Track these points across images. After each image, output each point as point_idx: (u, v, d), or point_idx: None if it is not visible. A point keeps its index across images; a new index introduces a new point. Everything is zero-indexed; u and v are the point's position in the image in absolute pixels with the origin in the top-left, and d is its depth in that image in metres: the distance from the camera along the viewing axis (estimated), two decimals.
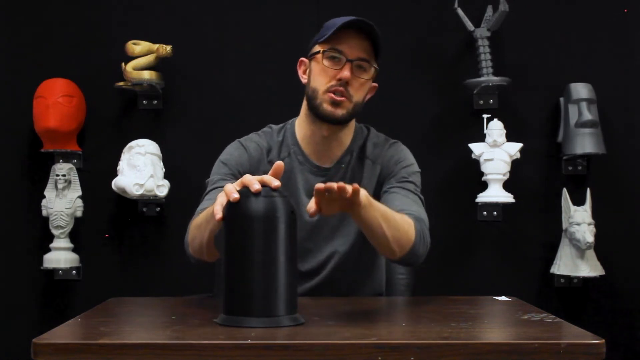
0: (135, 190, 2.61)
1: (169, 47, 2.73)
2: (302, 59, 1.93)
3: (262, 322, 1.39)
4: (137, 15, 2.85)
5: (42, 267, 2.73)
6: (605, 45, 2.84)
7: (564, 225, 2.71)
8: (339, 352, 1.28)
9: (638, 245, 2.81)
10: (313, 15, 2.72)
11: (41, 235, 2.78)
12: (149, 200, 2.76)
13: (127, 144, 2.68)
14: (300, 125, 1.94)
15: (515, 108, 2.83)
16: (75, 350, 1.28)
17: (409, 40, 2.85)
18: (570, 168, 2.82)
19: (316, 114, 1.86)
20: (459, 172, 2.83)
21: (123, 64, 2.71)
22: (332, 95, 1.82)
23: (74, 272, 2.78)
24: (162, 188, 2.67)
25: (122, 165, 2.66)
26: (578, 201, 2.71)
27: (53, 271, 2.77)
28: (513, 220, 2.81)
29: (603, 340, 1.31)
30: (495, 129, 2.69)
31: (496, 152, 2.68)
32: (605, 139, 2.73)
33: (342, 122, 1.86)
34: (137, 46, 2.72)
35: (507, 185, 2.72)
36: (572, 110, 2.72)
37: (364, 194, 1.61)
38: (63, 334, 1.41)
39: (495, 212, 2.78)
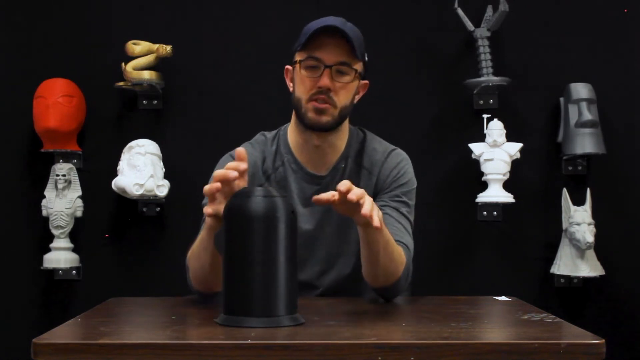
0: (135, 190, 2.61)
1: (169, 47, 2.73)
2: (288, 67, 1.90)
3: (262, 322, 1.39)
4: (137, 15, 2.85)
5: (42, 267, 2.73)
6: (605, 45, 2.84)
7: (564, 225, 2.71)
8: (339, 352, 1.28)
9: (638, 245, 2.81)
10: (313, 15, 2.71)
11: (41, 235, 2.78)
12: (149, 200, 2.76)
13: (127, 144, 2.68)
14: (292, 133, 1.91)
15: (515, 108, 2.83)
16: (75, 350, 1.28)
17: (409, 40, 2.85)
18: (570, 168, 2.82)
19: (303, 123, 1.84)
20: (459, 172, 2.82)
21: (123, 64, 2.71)
22: (315, 103, 1.79)
23: (74, 272, 2.78)
24: (162, 188, 2.67)
25: (122, 165, 2.66)
26: (578, 201, 2.71)
27: (53, 271, 2.77)
28: (513, 220, 2.81)
29: (603, 340, 1.31)
30: (495, 129, 2.69)
31: (496, 152, 2.68)
32: (605, 139, 2.73)
33: (328, 129, 1.83)
34: (137, 46, 2.72)
35: (507, 185, 2.71)
36: (572, 110, 2.72)
37: (381, 214, 1.59)
38: (63, 334, 1.41)
39: (495, 212, 2.78)
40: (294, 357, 1.27)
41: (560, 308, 2.74)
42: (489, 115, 2.73)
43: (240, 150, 1.55)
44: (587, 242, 2.62)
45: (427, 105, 2.84)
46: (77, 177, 2.77)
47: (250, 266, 1.40)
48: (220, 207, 1.50)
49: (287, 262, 1.41)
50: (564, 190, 2.72)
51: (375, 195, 1.90)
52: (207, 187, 1.50)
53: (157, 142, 2.73)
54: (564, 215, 2.71)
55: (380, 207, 1.86)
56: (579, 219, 2.65)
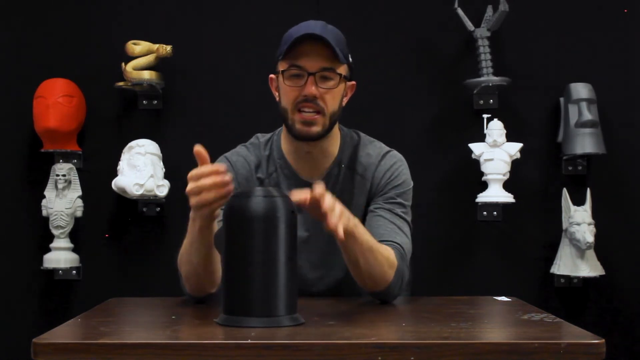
0: (135, 190, 2.61)
1: (169, 47, 2.73)
2: (272, 75, 1.87)
3: (262, 322, 1.39)
4: (137, 15, 2.85)
5: (42, 267, 2.73)
6: (605, 45, 2.84)
7: (564, 225, 2.71)
8: (339, 352, 1.28)
9: (638, 245, 2.81)
10: (313, 15, 2.72)
11: (41, 235, 2.78)
12: (149, 200, 2.76)
13: (127, 144, 2.68)
14: (284, 140, 1.89)
15: (515, 108, 2.83)
16: (75, 350, 1.28)
17: (409, 40, 2.85)
18: (570, 168, 2.82)
19: (292, 134, 1.81)
20: (459, 172, 2.82)
21: (123, 64, 2.71)
22: (303, 115, 1.76)
23: (74, 272, 2.78)
24: (162, 188, 2.67)
25: (122, 165, 2.66)
26: (578, 201, 2.71)
27: (53, 271, 2.77)
28: (513, 220, 2.81)
29: (603, 340, 1.31)
30: (495, 129, 2.69)
31: (496, 152, 2.68)
32: (605, 139, 2.73)
33: (317, 139, 1.80)
34: (137, 46, 2.72)
35: (507, 185, 2.72)
36: (572, 110, 2.72)
37: (352, 222, 1.59)
38: (63, 334, 1.41)
39: (495, 212, 2.78)
40: (294, 357, 1.27)
41: (560, 308, 2.74)
42: (489, 115, 2.73)
43: (197, 149, 1.52)
44: (587, 242, 2.62)
45: (427, 105, 2.84)
46: (77, 177, 2.77)
47: (250, 266, 1.40)
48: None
49: (287, 262, 1.41)
50: (564, 190, 2.72)
51: (370, 199, 1.88)
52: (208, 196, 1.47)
53: (157, 142, 2.73)
54: (564, 215, 2.71)
55: (375, 210, 1.85)
56: (579, 219, 2.65)
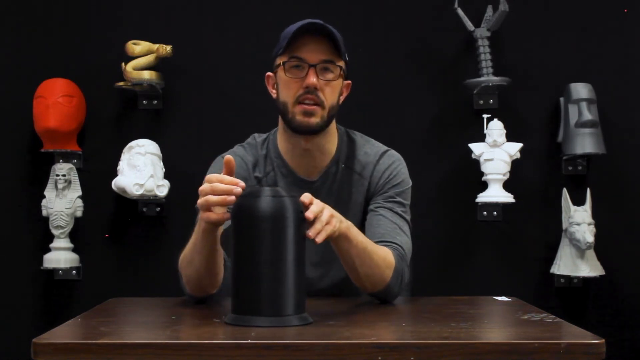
0: (135, 190, 2.61)
1: (169, 47, 2.73)
2: (268, 73, 1.87)
3: (270, 321, 1.39)
4: (137, 15, 2.85)
5: (42, 267, 2.73)
6: (605, 45, 2.84)
7: (564, 225, 2.71)
8: (339, 352, 1.28)
9: (638, 245, 2.81)
10: (313, 15, 2.72)
11: (41, 235, 2.78)
12: (149, 200, 2.76)
13: (127, 144, 2.68)
14: (281, 139, 1.89)
15: (515, 108, 2.83)
16: (75, 350, 1.28)
17: (409, 40, 2.85)
18: (570, 168, 2.82)
19: (291, 127, 1.80)
20: (459, 172, 2.82)
21: (123, 64, 2.71)
22: (303, 105, 1.76)
23: (74, 272, 2.78)
24: (162, 188, 2.67)
25: (122, 165, 2.66)
26: (578, 201, 2.71)
27: (53, 271, 2.77)
28: (513, 220, 2.81)
29: (603, 340, 1.31)
30: (495, 129, 2.69)
31: (496, 152, 2.68)
32: (605, 139, 2.73)
33: (318, 131, 1.80)
34: (137, 46, 2.72)
35: (507, 185, 2.71)
36: (572, 110, 2.72)
37: (345, 225, 1.60)
38: (63, 334, 1.41)
39: (495, 212, 2.78)
40: (294, 357, 1.27)
41: (560, 308, 2.74)
42: (489, 115, 2.73)
43: (229, 158, 1.54)
44: (587, 242, 2.62)
45: (427, 105, 2.84)
46: (77, 177, 2.77)
47: (258, 266, 1.40)
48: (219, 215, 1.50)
49: (295, 262, 1.42)
50: (564, 190, 2.72)
51: (369, 199, 1.88)
52: (218, 199, 1.48)
53: (157, 142, 2.73)
54: (564, 215, 2.71)
55: (375, 209, 1.85)
56: (579, 219, 2.65)
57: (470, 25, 2.75)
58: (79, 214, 2.76)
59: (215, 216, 1.50)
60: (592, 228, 2.66)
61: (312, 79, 1.74)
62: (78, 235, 2.79)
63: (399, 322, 1.60)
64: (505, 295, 1.91)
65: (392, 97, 2.84)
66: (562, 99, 2.79)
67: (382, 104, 2.83)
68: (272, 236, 1.40)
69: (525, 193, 2.79)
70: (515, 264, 2.82)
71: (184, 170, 2.76)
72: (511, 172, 2.71)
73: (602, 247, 2.72)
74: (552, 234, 2.77)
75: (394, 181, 1.88)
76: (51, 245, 2.74)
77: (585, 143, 2.69)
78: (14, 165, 2.84)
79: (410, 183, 1.92)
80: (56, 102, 2.68)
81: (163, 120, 2.85)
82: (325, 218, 1.50)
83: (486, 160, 2.69)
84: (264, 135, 1.95)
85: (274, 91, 1.85)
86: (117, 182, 2.64)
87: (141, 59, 2.71)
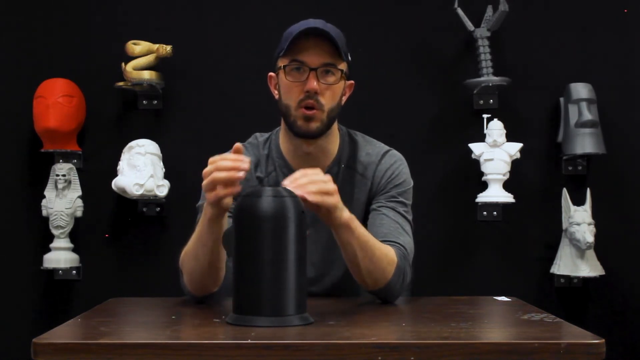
0: (135, 190, 2.61)
1: (169, 47, 2.73)
2: (271, 74, 1.87)
3: (271, 321, 1.40)
4: (137, 15, 2.85)
5: (42, 267, 2.73)
6: (605, 45, 2.84)
7: (564, 225, 2.71)
8: (339, 352, 1.28)
9: (638, 245, 2.81)
10: (314, 15, 2.73)
11: (41, 235, 2.78)
12: (149, 200, 2.76)
13: (127, 144, 2.68)
14: (283, 139, 1.89)
15: (515, 108, 2.83)
16: (75, 350, 1.28)
17: (409, 40, 2.85)
18: (570, 168, 2.82)
19: (292, 130, 1.81)
20: (459, 172, 2.83)
21: (123, 64, 2.71)
22: (304, 110, 1.76)
23: (74, 272, 2.78)
24: (162, 188, 2.67)
25: (122, 165, 2.66)
26: (578, 201, 2.71)
27: (53, 271, 2.77)
28: (513, 220, 2.81)
29: (603, 340, 1.31)
30: (495, 129, 2.69)
31: (496, 152, 2.68)
32: (605, 139, 2.73)
33: (318, 135, 1.80)
34: (137, 46, 2.72)
35: (507, 185, 2.72)
36: (572, 110, 2.72)
37: (347, 215, 1.61)
38: (63, 334, 1.41)
39: (495, 212, 2.78)
40: (294, 357, 1.27)
41: (560, 308, 2.74)
42: (489, 115, 2.73)
43: (239, 145, 1.55)
44: (587, 242, 2.62)
45: (427, 105, 2.84)
46: (77, 177, 2.77)
47: (260, 266, 1.40)
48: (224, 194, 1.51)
49: (296, 262, 1.42)
50: (564, 190, 2.72)
51: (371, 199, 1.89)
52: (223, 176, 1.50)
53: (157, 142, 2.73)
54: (564, 215, 2.71)
55: (377, 208, 1.86)
56: (579, 219, 2.65)
57: (470, 25, 2.75)
58: (79, 214, 2.76)
59: (224, 192, 1.50)
60: (592, 228, 2.66)
61: (313, 84, 1.74)
62: (78, 235, 2.79)
63: (399, 322, 1.60)
64: (505, 295, 1.91)
65: (392, 97, 2.84)
66: (562, 99, 2.79)
67: (382, 104, 2.83)
68: (273, 236, 1.41)
69: (525, 193, 2.79)
70: (515, 264, 2.82)
71: (184, 170, 2.76)
72: (511, 172, 2.71)
73: (602, 247, 2.72)
74: (552, 234, 2.77)
75: (395, 181, 1.88)
76: (51, 245, 2.74)
77: (585, 143, 2.69)
78: (14, 165, 2.84)
79: (411, 183, 1.92)
80: (56, 102, 2.68)
81: (163, 120, 2.85)
82: (304, 180, 1.53)
83: (486, 160, 2.69)
84: (265, 135, 1.95)
85: (277, 92, 1.85)
86: (117, 182, 2.64)
87: (141, 59, 2.71)
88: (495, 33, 2.76)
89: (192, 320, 1.59)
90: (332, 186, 1.57)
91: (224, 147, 1.93)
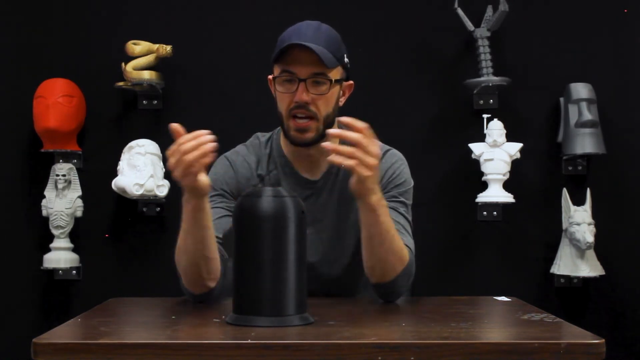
0: (135, 190, 2.61)
1: (169, 47, 2.73)
2: (270, 77, 1.87)
3: (271, 321, 1.40)
4: (137, 15, 2.85)
5: (42, 267, 2.73)
6: (605, 45, 2.84)
7: (564, 225, 2.71)
8: (339, 352, 1.28)
9: (638, 245, 2.81)
10: (313, 15, 2.73)
11: (41, 235, 2.78)
12: (149, 200, 2.76)
13: (127, 144, 2.68)
14: (284, 139, 1.90)
15: (515, 108, 2.83)
16: (75, 350, 1.29)
17: (409, 40, 2.85)
18: (570, 168, 2.82)
19: (287, 139, 1.83)
20: (459, 172, 2.82)
21: (123, 64, 2.71)
22: (296, 122, 1.77)
23: (74, 272, 2.78)
24: (162, 188, 2.67)
25: (122, 165, 2.66)
26: (578, 201, 2.71)
27: (53, 271, 2.77)
28: (513, 220, 2.81)
29: (603, 340, 1.31)
30: (495, 129, 2.69)
31: (496, 152, 2.68)
32: (605, 139, 2.73)
33: (313, 144, 1.81)
34: (137, 46, 2.72)
35: (507, 185, 2.71)
36: (572, 110, 2.72)
37: (377, 198, 1.62)
38: (63, 334, 1.42)
39: (495, 212, 2.78)
40: (294, 357, 1.27)
41: (560, 308, 2.74)
42: (489, 115, 2.73)
43: (174, 125, 1.60)
44: (587, 242, 2.62)
45: (427, 105, 2.84)
46: (77, 177, 2.77)
47: (260, 266, 1.41)
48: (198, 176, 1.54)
49: (296, 262, 1.42)
50: (564, 190, 2.72)
51: None
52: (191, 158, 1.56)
53: (157, 142, 2.73)
54: (564, 215, 2.71)
55: None
56: (579, 219, 2.65)
57: (470, 25, 2.75)
58: (79, 214, 2.76)
59: (197, 168, 1.54)
60: (592, 228, 2.66)
61: (302, 95, 1.76)
62: (78, 235, 2.79)
63: (399, 322, 1.60)
64: (505, 295, 1.91)
65: (392, 97, 2.84)
66: (562, 99, 2.79)
67: (382, 104, 2.83)
68: (273, 236, 1.41)
69: (525, 193, 2.79)
70: (515, 264, 2.82)
71: None
72: (511, 172, 2.71)
73: (602, 247, 2.72)
74: (552, 234, 2.77)
75: (396, 181, 1.89)
76: (51, 245, 2.74)
77: (585, 143, 2.69)
78: (14, 165, 2.84)
79: (412, 183, 1.92)
80: (56, 102, 2.68)
81: (163, 120, 2.84)
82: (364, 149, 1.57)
83: (486, 160, 2.69)
84: (267, 135, 1.96)
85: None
86: (117, 182, 2.64)
87: (141, 59, 2.71)
88: (495, 33, 2.76)
89: (192, 320, 1.59)
90: (373, 161, 1.58)
91: (224, 147, 1.94)
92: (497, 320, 1.67)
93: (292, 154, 1.88)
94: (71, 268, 2.76)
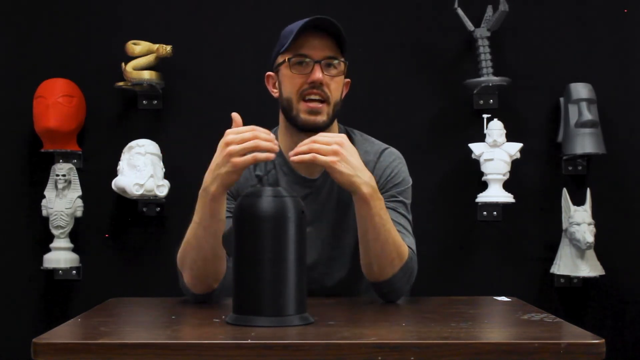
0: (135, 190, 2.61)
1: (169, 47, 2.73)
2: (269, 73, 1.89)
3: (271, 321, 1.40)
4: (137, 15, 2.85)
5: (42, 267, 2.73)
6: (605, 45, 2.84)
7: (564, 225, 2.71)
8: (339, 352, 1.28)
9: (638, 245, 2.81)
10: (313, 15, 2.73)
11: (41, 235, 2.78)
12: (149, 200, 2.76)
13: (127, 144, 2.68)
14: (282, 137, 1.90)
15: (515, 108, 2.83)
16: (75, 350, 1.29)
17: (409, 40, 2.85)
18: (570, 168, 2.82)
19: (295, 125, 1.82)
20: (459, 172, 2.83)
21: (123, 64, 2.71)
22: (309, 104, 1.78)
23: (74, 272, 2.78)
24: (162, 188, 2.67)
25: (122, 165, 2.66)
26: (578, 201, 2.71)
27: (53, 271, 2.77)
28: (513, 220, 2.81)
29: (603, 340, 1.31)
30: (495, 129, 2.69)
31: (496, 152, 2.68)
32: (605, 139, 2.73)
33: (323, 128, 1.81)
34: (137, 46, 2.72)
35: (507, 185, 2.72)
36: (572, 110, 2.72)
37: (368, 189, 1.64)
38: (63, 334, 1.42)
39: (495, 212, 2.78)
40: (294, 357, 1.27)
41: (560, 308, 2.74)
42: (489, 115, 2.73)
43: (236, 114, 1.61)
44: (587, 242, 2.62)
45: (427, 105, 2.84)
46: (77, 177, 2.77)
47: (260, 266, 1.41)
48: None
49: (296, 262, 1.42)
50: (564, 190, 2.72)
51: None
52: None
53: (157, 142, 2.73)
54: (564, 215, 2.71)
55: None
56: (579, 219, 2.65)
57: (470, 25, 2.75)
58: (79, 214, 2.76)
59: (263, 156, 1.56)
60: (592, 228, 2.66)
61: (318, 74, 1.77)
62: (78, 235, 2.79)
63: (399, 322, 1.60)
64: (505, 295, 1.91)
65: (392, 97, 2.84)
66: (562, 99, 2.79)
67: (382, 103, 2.83)
68: (273, 236, 1.41)
69: (525, 193, 2.79)
70: (515, 264, 2.82)
71: (184, 170, 2.76)
72: (511, 172, 2.71)
73: (602, 247, 2.72)
74: (552, 234, 2.77)
75: (395, 180, 1.89)
76: (51, 245, 2.74)
77: (585, 143, 2.69)
78: (14, 165, 2.84)
79: (410, 182, 1.92)
80: (56, 102, 2.68)
81: (163, 120, 2.85)
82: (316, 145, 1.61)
83: (486, 160, 2.69)
84: None
85: (275, 90, 1.86)
86: (117, 182, 2.64)
87: (141, 59, 2.71)
88: (495, 33, 2.76)
89: (192, 320, 1.59)
90: (332, 147, 1.61)
91: None
92: (497, 320, 1.68)
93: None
94: (71, 268, 2.76)
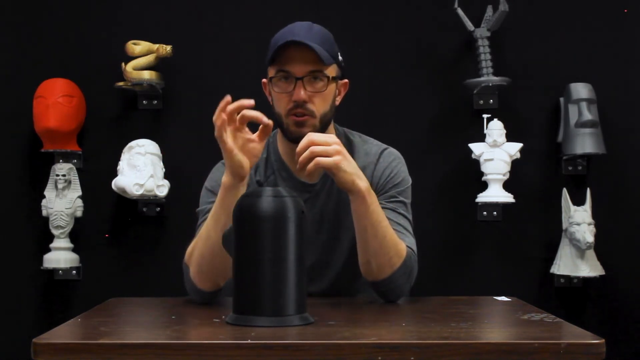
0: (135, 190, 2.61)
1: (169, 47, 2.73)
2: (264, 80, 1.89)
3: (271, 321, 1.40)
4: (137, 15, 2.85)
5: (42, 267, 2.73)
6: (605, 45, 2.84)
7: (564, 225, 2.71)
8: (339, 352, 1.28)
9: (638, 245, 2.81)
10: (313, 16, 2.72)
11: (41, 235, 2.78)
12: (149, 200, 2.76)
13: (127, 144, 2.68)
14: (281, 142, 1.90)
15: (515, 108, 2.83)
16: (75, 350, 1.29)
17: (409, 40, 2.85)
18: (570, 168, 2.82)
19: (287, 137, 1.83)
20: (459, 172, 2.83)
21: (123, 64, 2.71)
22: (295, 118, 1.78)
23: (74, 272, 2.78)
24: (162, 188, 2.67)
25: (122, 165, 2.66)
26: (578, 201, 2.71)
27: (53, 271, 2.77)
28: (513, 220, 2.81)
29: (603, 340, 1.31)
30: (495, 129, 2.69)
31: (496, 152, 2.68)
32: (605, 139, 2.73)
33: None
34: (137, 46, 2.72)
35: (507, 185, 2.72)
36: (572, 110, 2.72)
37: (364, 185, 1.64)
38: (63, 334, 1.42)
39: (495, 212, 2.78)
40: (294, 357, 1.27)
41: (560, 308, 2.74)
42: (489, 115, 2.73)
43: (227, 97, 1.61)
44: (587, 242, 2.62)
45: (427, 105, 2.84)
46: (77, 177, 2.77)
47: (260, 266, 1.41)
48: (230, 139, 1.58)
49: (296, 262, 1.42)
50: (564, 190, 2.72)
51: None
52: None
53: (157, 142, 2.73)
54: (564, 215, 2.71)
55: None
56: (579, 219, 2.65)
57: (470, 25, 2.75)
58: (79, 214, 2.76)
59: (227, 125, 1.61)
60: (592, 228, 2.66)
61: (300, 94, 1.77)
62: (78, 235, 2.79)
63: (399, 322, 1.60)
64: (505, 295, 1.91)
65: (392, 97, 2.84)
66: (562, 99, 2.79)
67: (382, 104, 2.83)
68: (273, 236, 1.41)
69: (525, 193, 2.79)
70: (515, 264, 2.82)
71: (184, 170, 2.76)
72: (511, 172, 2.71)
73: (602, 247, 2.72)
74: (552, 234, 2.77)
75: (394, 180, 1.88)
76: (51, 245, 2.74)
77: (585, 143, 2.69)
78: (14, 165, 2.84)
79: (410, 182, 1.92)
80: (56, 102, 2.68)
81: (163, 120, 2.85)
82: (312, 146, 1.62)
83: (486, 160, 2.69)
84: None
85: (270, 97, 1.87)
86: (117, 182, 2.64)
87: (141, 59, 2.71)
88: (495, 33, 2.76)
89: (192, 320, 1.59)
90: (333, 147, 1.61)
91: None
92: (497, 320, 1.67)
93: (289, 156, 1.88)
94: (71, 268, 2.76)
